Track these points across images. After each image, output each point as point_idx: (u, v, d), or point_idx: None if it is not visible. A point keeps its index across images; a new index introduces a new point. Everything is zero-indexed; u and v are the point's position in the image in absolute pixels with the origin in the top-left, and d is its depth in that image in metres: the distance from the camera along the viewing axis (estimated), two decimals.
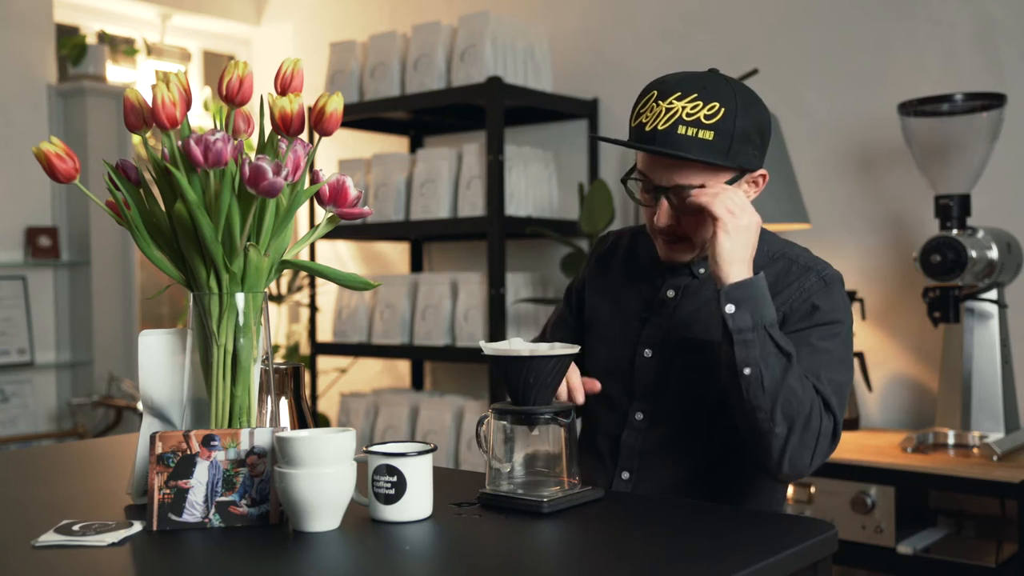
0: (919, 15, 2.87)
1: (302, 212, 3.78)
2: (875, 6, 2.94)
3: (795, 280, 1.50)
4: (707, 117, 1.43)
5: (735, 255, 1.40)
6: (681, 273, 1.58)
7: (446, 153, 3.38)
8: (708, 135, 1.43)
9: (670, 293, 1.58)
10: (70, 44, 4.02)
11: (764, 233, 1.59)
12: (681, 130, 1.43)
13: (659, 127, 1.44)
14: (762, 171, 1.52)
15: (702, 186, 1.46)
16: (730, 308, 1.38)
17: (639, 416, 1.56)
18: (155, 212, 1.28)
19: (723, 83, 1.47)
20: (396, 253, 4.09)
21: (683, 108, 1.44)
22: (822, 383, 1.42)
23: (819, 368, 1.44)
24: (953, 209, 2.49)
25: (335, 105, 1.25)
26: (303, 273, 3.90)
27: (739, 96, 1.46)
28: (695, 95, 1.44)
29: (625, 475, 1.56)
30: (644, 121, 1.47)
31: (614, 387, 1.59)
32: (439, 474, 1.33)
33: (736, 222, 1.40)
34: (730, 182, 1.47)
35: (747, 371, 1.37)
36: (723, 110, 1.43)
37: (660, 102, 1.45)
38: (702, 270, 1.57)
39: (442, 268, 3.92)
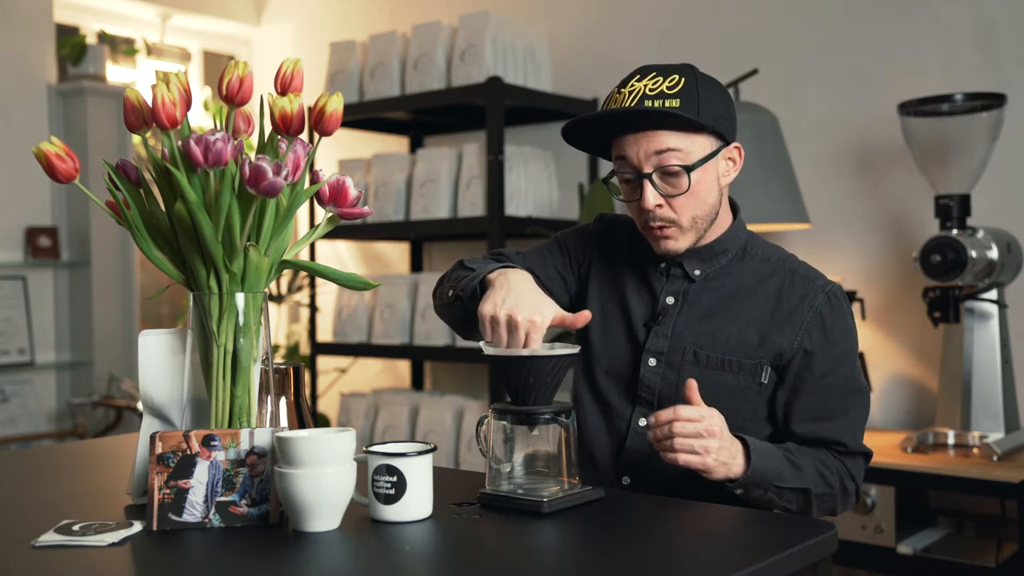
0: (919, 15, 2.87)
1: (302, 212, 3.78)
2: (875, 6, 2.94)
3: (802, 297, 1.51)
4: (669, 88, 1.46)
5: (724, 466, 1.40)
6: (677, 278, 1.57)
7: (446, 153, 3.38)
8: (675, 102, 1.45)
9: (669, 300, 1.57)
10: (70, 44, 4.02)
11: (754, 237, 1.61)
12: (647, 103, 1.45)
13: (624, 105, 1.47)
14: (737, 144, 1.54)
15: (676, 151, 1.46)
16: (739, 492, 1.43)
17: (643, 423, 1.55)
18: (155, 212, 1.27)
19: (684, 67, 1.50)
20: (396, 253, 4.09)
21: (645, 86, 1.47)
22: (854, 431, 1.51)
23: (848, 410, 1.51)
24: (953, 209, 2.49)
25: (335, 105, 1.25)
26: (303, 273, 3.90)
27: (696, 72, 1.50)
28: (653, 73, 1.48)
29: (626, 480, 1.56)
30: (611, 108, 1.49)
31: (614, 391, 1.58)
32: (439, 474, 1.33)
33: (712, 446, 1.37)
34: (711, 155, 1.48)
35: (776, 510, 1.46)
36: (683, 79, 1.47)
37: (622, 89, 1.49)
38: (697, 271, 1.56)
39: (442, 268, 3.92)
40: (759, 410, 1.53)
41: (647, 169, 1.48)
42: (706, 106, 1.47)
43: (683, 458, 1.36)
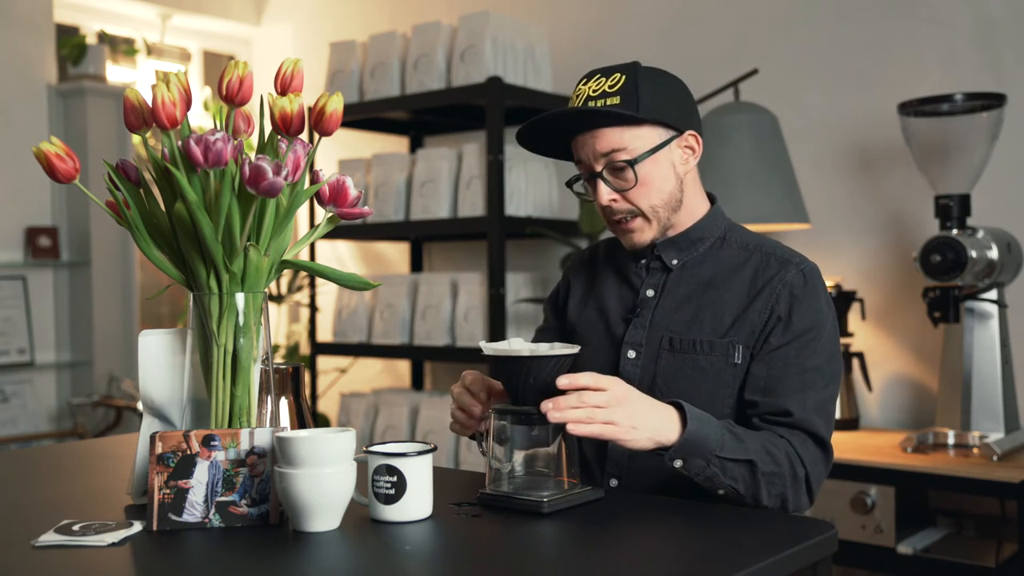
0: (919, 15, 2.87)
1: (302, 212, 3.78)
2: (875, 6, 2.94)
3: (775, 274, 1.51)
4: (611, 87, 1.50)
5: (647, 431, 1.34)
6: (657, 270, 1.60)
7: (446, 153, 3.38)
8: (615, 99, 1.49)
9: (649, 292, 1.59)
10: (70, 44, 4.02)
11: (735, 227, 1.62)
12: (590, 104, 1.51)
13: (574, 107, 1.53)
14: (692, 133, 1.55)
15: (622, 150, 1.50)
16: (678, 463, 1.37)
17: None
18: (155, 212, 1.28)
19: (628, 65, 1.54)
20: (396, 253, 4.09)
21: (588, 88, 1.53)
22: (803, 405, 1.45)
23: (806, 389, 1.46)
24: (953, 209, 2.49)
25: (335, 105, 1.25)
26: (303, 273, 3.90)
27: (641, 68, 1.52)
28: (598, 75, 1.53)
29: (613, 482, 1.54)
30: (553, 112, 1.53)
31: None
32: (439, 474, 1.33)
33: (619, 415, 1.31)
34: (660, 147, 1.51)
35: (721, 492, 1.41)
36: (623, 77, 1.50)
37: (571, 97, 1.56)
38: (675, 261, 1.58)
39: (442, 268, 3.92)
40: (735, 390, 1.50)
41: (598, 168, 1.53)
42: (647, 100, 1.50)
43: (584, 428, 1.29)
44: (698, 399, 1.46)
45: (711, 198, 1.64)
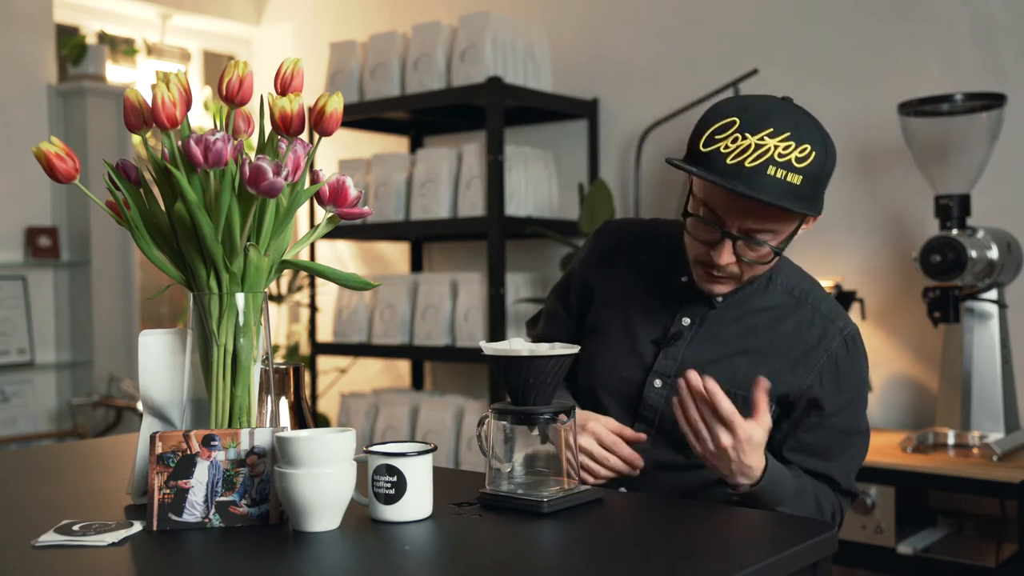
0: (919, 15, 2.87)
1: (302, 212, 3.78)
2: (875, 6, 2.94)
3: (820, 340, 1.48)
4: (798, 160, 1.33)
5: (739, 477, 1.39)
6: (698, 300, 1.52)
7: (446, 153, 3.38)
8: (796, 179, 1.33)
9: (685, 321, 1.53)
10: (70, 44, 4.02)
11: (783, 265, 1.54)
12: (771, 171, 1.32)
13: (746, 163, 1.32)
14: (818, 217, 1.44)
15: (771, 232, 1.39)
16: (736, 499, 1.42)
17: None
18: (155, 212, 1.27)
19: (807, 120, 1.38)
20: (396, 253, 4.09)
21: (775, 147, 1.32)
22: (847, 473, 1.51)
23: (846, 452, 1.51)
24: (953, 209, 2.49)
25: (335, 105, 1.25)
26: (303, 273, 3.90)
27: (824, 136, 1.38)
28: (788, 134, 1.33)
29: (622, 490, 1.55)
30: (725, 152, 1.33)
31: (614, 405, 1.57)
32: (439, 474, 1.33)
33: (738, 467, 1.37)
34: (798, 227, 1.41)
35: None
36: (814, 153, 1.34)
37: (748, 135, 1.33)
38: (720, 298, 1.51)
39: (442, 268, 3.92)
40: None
41: (734, 230, 1.39)
42: (822, 187, 1.37)
43: (698, 447, 1.37)
44: None
45: None
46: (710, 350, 1.51)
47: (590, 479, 1.45)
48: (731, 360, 1.49)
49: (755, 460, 1.37)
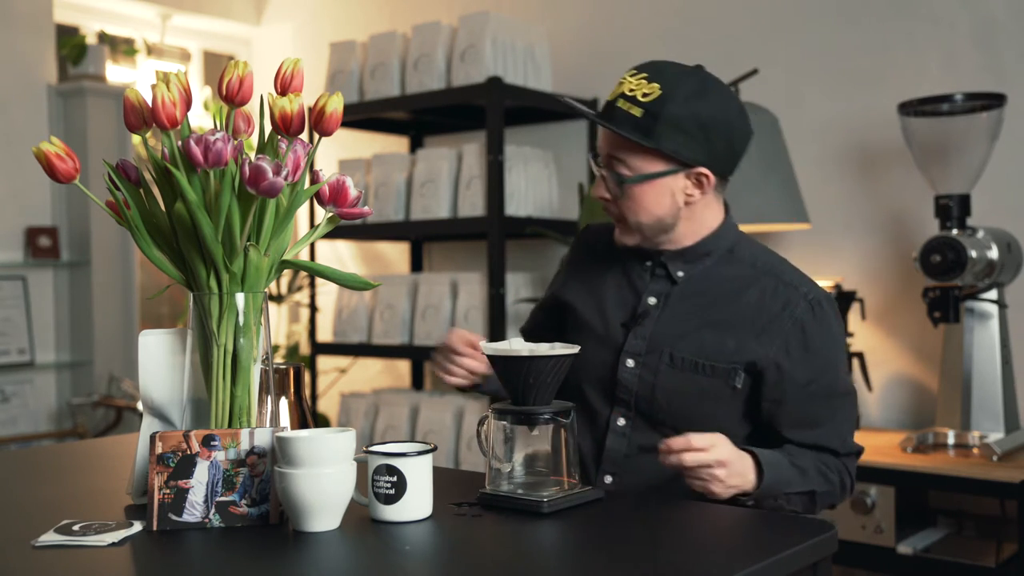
0: (919, 15, 2.87)
1: (302, 212, 3.78)
2: (875, 6, 2.94)
3: (784, 306, 1.51)
4: (644, 95, 1.47)
5: (735, 484, 1.41)
6: (661, 278, 1.58)
7: (446, 153, 3.38)
8: (637, 112, 1.47)
9: (651, 301, 1.57)
10: (70, 44, 4.02)
11: (744, 239, 1.60)
12: (620, 103, 1.49)
13: (608, 98, 1.53)
14: (703, 170, 1.51)
15: (623, 162, 1.51)
16: (751, 502, 1.45)
17: (621, 422, 1.56)
18: (155, 212, 1.28)
19: (688, 75, 1.50)
20: (396, 253, 4.09)
21: (628, 83, 1.50)
22: (842, 435, 1.53)
23: (836, 415, 1.53)
24: (953, 209, 2.49)
25: (335, 105, 1.25)
26: (303, 273, 3.90)
27: (693, 89, 1.48)
28: (646, 75, 1.49)
29: (608, 479, 1.56)
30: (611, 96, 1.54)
31: (593, 391, 1.59)
32: (439, 474, 1.33)
33: (721, 474, 1.39)
34: (663, 174, 1.50)
35: (786, 508, 1.49)
36: (660, 94, 1.47)
37: (624, 76, 1.52)
38: (680, 273, 1.57)
39: (442, 268, 3.92)
40: (735, 411, 1.54)
41: (603, 163, 1.54)
42: (665, 126, 1.46)
43: (695, 484, 1.39)
44: (698, 418, 1.50)
45: (726, 207, 1.61)
46: (677, 326, 1.54)
47: (445, 377, 1.60)
48: (698, 334, 1.52)
49: (738, 465, 1.40)
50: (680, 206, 1.53)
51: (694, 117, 1.47)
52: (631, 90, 1.48)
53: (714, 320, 1.52)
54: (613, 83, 1.60)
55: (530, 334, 1.79)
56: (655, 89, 1.47)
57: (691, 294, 1.55)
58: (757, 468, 1.42)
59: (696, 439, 1.37)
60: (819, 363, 1.50)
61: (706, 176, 1.51)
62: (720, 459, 1.37)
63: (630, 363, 1.55)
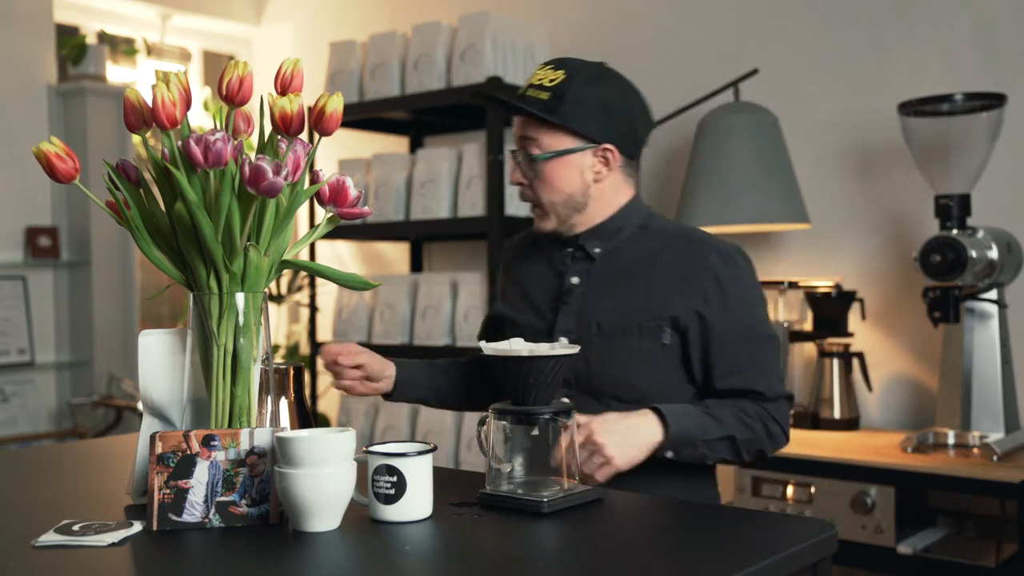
0: (919, 15, 2.87)
1: (302, 212, 3.78)
2: (875, 6, 2.94)
3: (697, 259, 1.60)
4: (550, 81, 1.60)
5: (635, 449, 1.48)
6: (581, 258, 1.67)
7: (446, 153, 3.38)
8: (545, 96, 1.59)
9: (575, 280, 1.67)
10: (70, 44, 4.02)
11: (654, 215, 1.71)
12: (530, 92, 1.61)
13: (519, 91, 1.64)
14: (608, 146, 1.62)
15: (534, 140, 1.61)
16: (670, 455, 1.52)
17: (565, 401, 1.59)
18: (155, 212, 1.27)
19: (591, 64, 1.63)
20: (396, 253, 4.09)
21: (536, 75, 1.63)
22: (767, 377, 1.59)
23: (758, 358, 1.60)
24: (953, 209, 2.49)
25: (335, 105, 1.25)
26: (303, 273, 3.90)
27: (594, 75, 1.61)
28: (552, 66, 1.62)
29: None
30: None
31: None
32: (439, 474, 1.33)
33: (608, 453, 1.44)
34: (572, 151, 1.61)
35: (710, 461, 1.58)
36: (564, 77, 1.59)
37: (534, 71, 1.66)
38: (597, 249, 1.66)
39: (442, 268, 3.92)
40: (674, 372, 1.61)
41: (515, 146, 1.66)
42: (569, 109, 1.58)
43: (600, 475, 1.44)
44: (632, 380, 1.59)
45: (637, 190, 1.73)
46: (601, 298, 1.64)
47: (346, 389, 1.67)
48: (622, 300, 1.62)
49: (625, 430, 1.46)
50: (589, 183, 1.63)
51: (596, 98, 1.60)
52: (539, 80, 1.61)
53: (635, 285, 1.62)
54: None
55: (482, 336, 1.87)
56: (560, 75, 1.59)
57: (610, 266, 1.65)
58: (663, 423, 1.49)
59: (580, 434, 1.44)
60: (736, 308, 1.59)
61: (612, 152, 1.63)
62: (593, 441, 1.43)
63: (563, 341, 1.61)
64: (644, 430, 1.49)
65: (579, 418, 1.44)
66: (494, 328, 1.81)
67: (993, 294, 2.52)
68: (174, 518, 1.20)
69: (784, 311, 2.87)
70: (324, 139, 1.26)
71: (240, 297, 1.24)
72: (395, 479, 1.22)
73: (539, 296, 1.71)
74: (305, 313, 4.28)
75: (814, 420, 2.79)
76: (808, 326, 2.87)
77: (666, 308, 1.59)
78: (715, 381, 1.60)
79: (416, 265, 3.95)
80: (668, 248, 1.63)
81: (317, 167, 1.31)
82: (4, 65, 3.85)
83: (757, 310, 1.62)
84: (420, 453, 1.24)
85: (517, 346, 1.35)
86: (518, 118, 1.64)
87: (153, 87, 1.22)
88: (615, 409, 1.57)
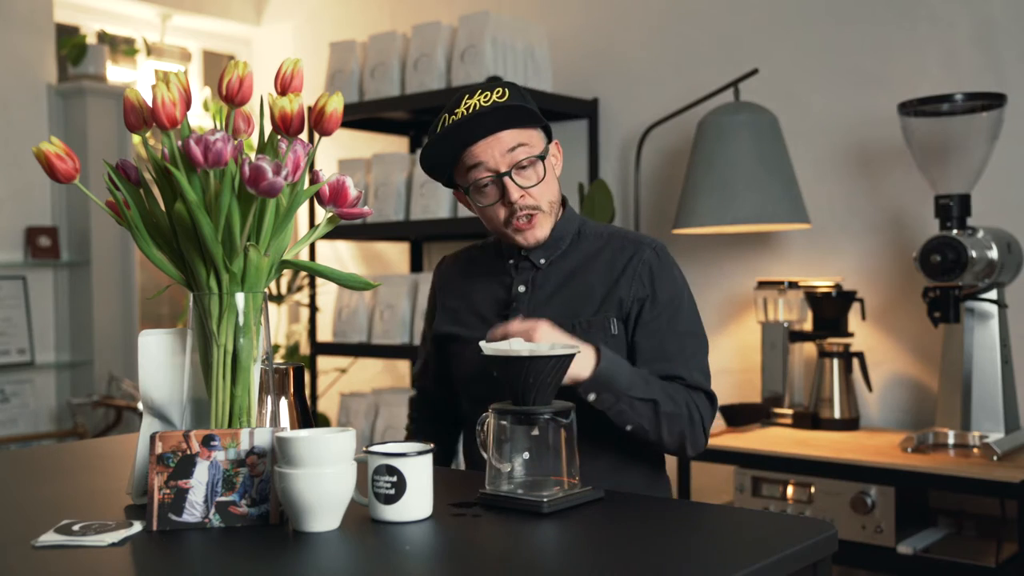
0: (919, 15, 2.87)
1: (302, 212, 3.78)
2: (875, 6, 2.94)
3: (633, 255, 1.67)
4: (499, 98, 1.61)
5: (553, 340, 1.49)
6: (526, 268, 1.72)
7: None
8: (504, 99, 1.60)
9: (521, 288, 1.71)
10: (70, 44, 4.02)
11: (586, 220, 1.77)
12: (488, 112, 1.59)
13: (464, 120, 1.59)
14: (556, 140, 1.71)
15: (525, 145, 1.63)
16: (591, 397, 1.53)
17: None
18: (155, 212, 1.28)
19: (501, 82, 1.67)
20: (396, 253, 4.09)
21: (477, 101, 1.61)
22: (689, 368, 1.63)
23: (684, 350, 1.65)
24: (953, 209, 2.49)
25: (335, 105, 1.25)
26: (303, 273, 3.90)
27: (516, 84, 1.67)
28: (479, 90, 1.62)
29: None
30: (448, 124, 1.61)
31: (485, 389, 1.60)
32: (439, 474, 1.33)
33: (546, 329, 1.51)
34: (546, 148, 1.67)
35: (629, 428, 1.57)
36: (507, 90, 1.62)
37: (455, 110, 1.61)
38: (542, 260, 1.71)
39: None
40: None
41: (504, 168, 1.63)
42: (535, 108, 1.64)
43: (514, 325, 1.50)
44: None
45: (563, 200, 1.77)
46: (548, 301, 1.69)
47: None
48: (568, 302, 1.68)
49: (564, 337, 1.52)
50: (558, 179, 1.71)
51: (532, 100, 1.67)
52: (485, 101, 1.60)
53: (578, 285, 1.68)
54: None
55: (424, 369, 1.90)
56: (503, 91, 1.61)
57: (555, 273, 1.71)
58: (597, 359, 1.52)
59: (513, 325, 1.52)
60: (665, 299, 1.66)
61: (557, 146, 1.71)
62: (537, 329, 1.50)
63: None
64: (582, 356, 1.51)
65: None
66: (441, 349, 1.82)
67: (993, 294, 2.52)
68: (174, 518, 1.20)
69: (784, 311, 2.87)
70: (324, 139, 1.26)
71: (240, 297, 1.24)
72: (395, 479, 1.22)
73: (487, 308, 1.74)
74: (305, 313, 4.28)
75: (814, 420, 2.79)
76: (808, 326, 2.87)
77: (610, 300, 1.65)
78: (640, 366, 1.64)
79: (416, 265, 3.95)
80: (607, 248, 1.71)
81: (317, 167, 1.31)
82: (4, 65, 3.85)
83: (683, 303, 1.68)
84: (420, 453, 1.24)
85: (517, 346, 1.35)
86: (489, 140, 1.62)
87: (153, 87, 1.22)
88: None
